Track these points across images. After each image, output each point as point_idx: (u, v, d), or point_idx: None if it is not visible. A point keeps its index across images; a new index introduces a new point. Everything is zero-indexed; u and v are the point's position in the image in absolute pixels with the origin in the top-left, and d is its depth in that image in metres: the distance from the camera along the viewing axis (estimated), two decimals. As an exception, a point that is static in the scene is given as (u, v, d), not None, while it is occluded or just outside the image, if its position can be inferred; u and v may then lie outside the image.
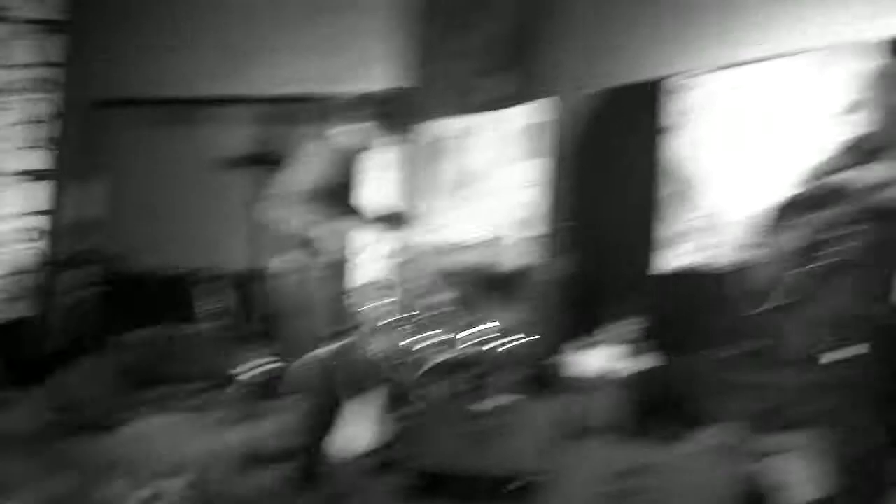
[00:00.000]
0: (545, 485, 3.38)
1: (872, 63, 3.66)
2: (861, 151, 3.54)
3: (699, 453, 4.68)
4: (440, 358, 5.23)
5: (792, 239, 3.63)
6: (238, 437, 4.82)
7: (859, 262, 3.41)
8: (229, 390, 5.99)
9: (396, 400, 4.76)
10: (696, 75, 6.10)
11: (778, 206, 3.82)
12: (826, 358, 3.38)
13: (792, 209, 3.72)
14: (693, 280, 6.61)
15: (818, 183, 3.63)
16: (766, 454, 4.77)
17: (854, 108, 3.44)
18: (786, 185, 3.80)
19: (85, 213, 8.47)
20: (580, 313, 6.58)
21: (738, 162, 5.83)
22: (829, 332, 3.41)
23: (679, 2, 6.39)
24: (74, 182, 8.45)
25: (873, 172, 3.38)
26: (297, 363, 4.17)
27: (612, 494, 3.06)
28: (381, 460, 4.70)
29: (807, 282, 3.55)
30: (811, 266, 3.53)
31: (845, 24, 5.45)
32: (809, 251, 3.56)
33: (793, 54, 5.58)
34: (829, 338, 3.41)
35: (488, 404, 4.25)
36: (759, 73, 5.76)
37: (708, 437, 5.47)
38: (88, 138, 8.56)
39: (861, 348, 3.47)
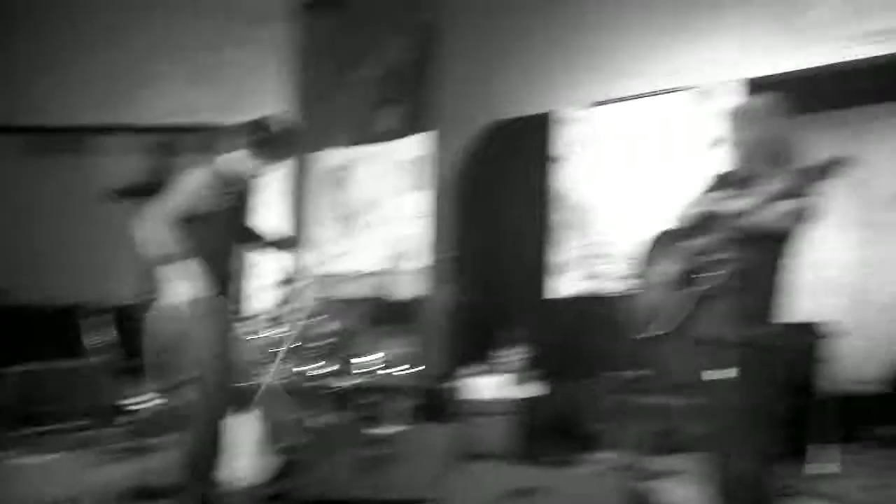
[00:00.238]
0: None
1: (734, 101, 3.87)
2: (729, 183, 3.71)
3: (589, 475, 4.76)
4: (332, 386, 5.21)
5: (670, 267, 3.76)
6: (124, 472, 4.68)
7: (733, 287, 3.54)
8: (115, 425, 5.85)
9: (288, 429, 4.71)
10: (582, 108, 6.26)
11: (656, 235, 3.97)
12: (705, 381, 3.46)
13: (669, 238, 3.86)
14: (582, 306, 6.74)
15: (692, 213, 3.79)
16: (654, 476, 4.89)
17: (718, 143, 3.61)
18: (666, 215, 3.94)
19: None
20: (472, 341, 6.63)
21: (624, 191, 6.00)
22: (707, 356, 3.50)
23: (564, 40, 6.55)
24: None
25: (740, 202, 3.54)
26: (183, 395, 4.07)
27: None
28: (272, 490, 4.65)
29: (685, 307, 3.66)
30: (689, 292, 3.64)
31: (715, 64, 5.71)
32: (686, 278, 3.68)
33: (671, 91, 5.81)
34: (707, 362, 3.49)
35: (381, 431, 4.24)
36: (640, 108, 5.97)
37: (598, 460, 5.57)
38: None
39: (737, 371, 3.59)
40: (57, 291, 7.75)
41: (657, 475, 4.93)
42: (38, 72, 8.25)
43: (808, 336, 5.30)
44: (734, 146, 3.74)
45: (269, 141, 4.21)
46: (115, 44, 8.25)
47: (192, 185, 4.08)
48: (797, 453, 4.95)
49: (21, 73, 8.26)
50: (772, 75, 5.49)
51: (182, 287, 3.97)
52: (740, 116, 3.74)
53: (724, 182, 3.73)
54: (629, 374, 5.43)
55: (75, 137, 8.84)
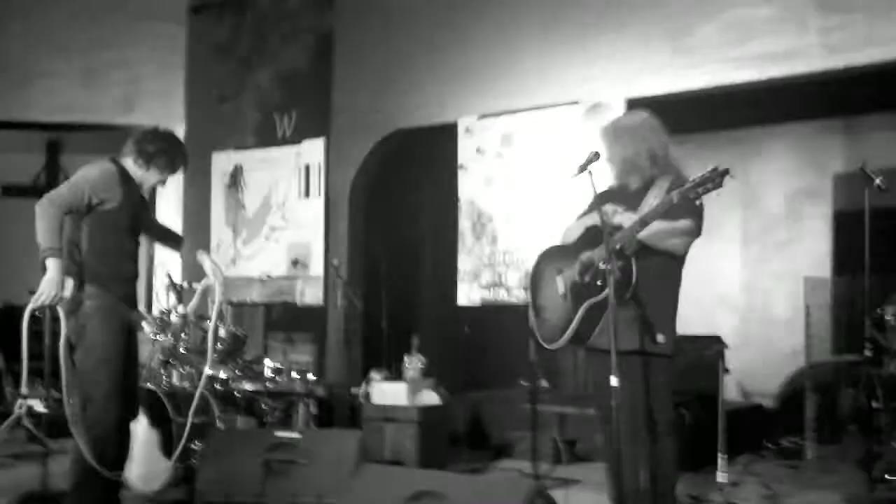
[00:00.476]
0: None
1: (607, 120, 3.96)
2: (613, 197, 3.77)
3: (493, 481, 4.79)
4: (236, 390, 5.16)
5: (560, 281, 3.85)
6: (19, 476, 4.57)
7: (623, 299, 3.63)
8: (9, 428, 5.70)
9: (192, 432, 4.65)
10: (482, 118, 6.32)
11: (544, 251, 4.03)
12: (604, 392, 3.48)
13: (559, 253, 3.93)
14: (487, 314, 6.80)
15: (580, 227, 3.87)
16: (558, 484, 4.97)
17: (594, 159, 3.66)
18: (559, 227, 4.04)
19: None
20: (377, 347, 6.65)
21: (525, 200, 6.06)
22: (604, 366, 3.52)
23: (463, 50, 6.59)
24: None
25: (624, 216, 3.64)
26: (78, 398, 3.98)
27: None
28: (172, 496, 4.62)
29: (577, 320, 3.73)
30: (580, 305, 3.71)
31: (605, 81, 5.82)
32: (577, 291, 3.76)
33: (564, 105, 5.91)
34: (604, 372, 3.51)
35: (284, 435, 4.23)
36: (537, 120, 6.04)
37: (504, 468, 5.64)
38: None
39: (632, 380, 3.69)
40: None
41: (562, 483, 5.01)
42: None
43: (707, 349, 5.45)
44: (610, 162, 3.83)
45: (161, 153, 4.18)
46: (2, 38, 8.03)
47: (89, 178, 4.01)
48: (698, 463, 5.10)
49: None
50: (661, 94, 5.58)
51: (70, 283, 3.90)
52: (612, 133, 3.83)
53: (608, 197, 3.79)
54: (534, 383, 5.49)
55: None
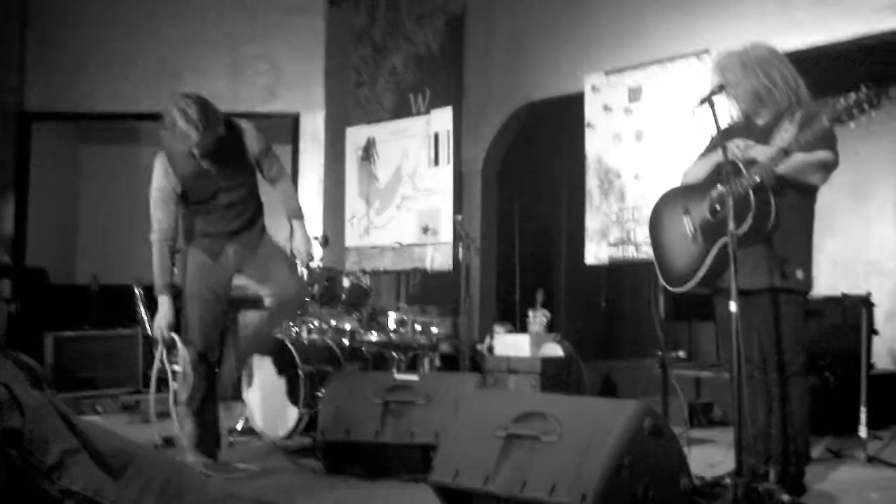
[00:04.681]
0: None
1: (730, 52, 3.78)
2: (736, 133, 3.67)
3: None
4: (363, 342, 5.25)
5: (686, 223, 3.74)
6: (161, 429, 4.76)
7: (762, 234, 3.50)
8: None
9: (317, 380, 4.78)
10: (609, 75, 6.22)
11: (665, 194, 3.97)
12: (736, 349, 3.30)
13: (681, 195, 3.84)
14: (616, 271, 6.68)
15: (703, 167, 3.76)
16: (684, 442, 4.82)
17: (715, 93, 3.45)
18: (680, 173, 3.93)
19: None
20: (510, 308, 6.64)
21: (660, 155, 5.92)
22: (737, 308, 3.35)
23: (587, 14, 6.58)
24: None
25: (750, 151, 3.52)
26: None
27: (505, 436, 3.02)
28: (303, 441, 4.77)
29: (706, 261, 3.62)
30: (708, 245, 3.61)
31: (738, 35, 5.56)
32: (705, 232, 3.65)
33: (691, 56, 5.75)
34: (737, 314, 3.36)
35: (405, 377, 4.27)
36: (663, 74, 5.90)
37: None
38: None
39: (767, 320, 3.55)
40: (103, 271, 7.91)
41: (690, 442, 4.86)
42: (85, 61, 8.49)
43: (854, 307, 5.18)
44: (735, 97, 3.69)
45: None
46: (156, 36, 8.46)
47: (154, 184, 4.16)
48: (842, 428, 4.84)
49: (70, 63, 8.51)
50: (804, 48, 5.25)
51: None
52: (739, 65, 3.65)
53: (732, 133, 3.68)
54: (664, 348, 5.33)
55: (122, 125, 9.08)
